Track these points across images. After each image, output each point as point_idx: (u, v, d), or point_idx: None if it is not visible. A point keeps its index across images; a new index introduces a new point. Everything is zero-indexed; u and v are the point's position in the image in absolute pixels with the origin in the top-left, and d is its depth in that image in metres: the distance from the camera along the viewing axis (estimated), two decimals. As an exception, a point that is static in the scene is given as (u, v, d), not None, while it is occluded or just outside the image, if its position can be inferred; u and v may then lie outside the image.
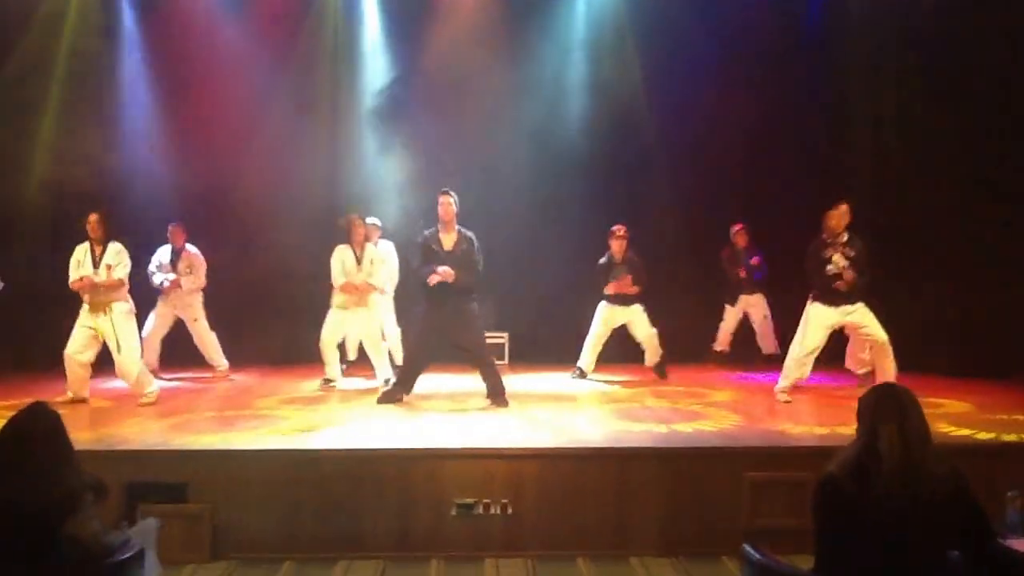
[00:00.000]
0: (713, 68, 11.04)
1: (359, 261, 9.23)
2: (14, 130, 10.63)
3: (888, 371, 7.97)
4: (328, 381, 9.26)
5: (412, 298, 8.53)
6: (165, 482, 5.79)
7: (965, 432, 6.57)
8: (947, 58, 10.08)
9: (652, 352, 9.92)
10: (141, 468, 5.88)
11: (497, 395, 8.07)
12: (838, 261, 7.99)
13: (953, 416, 7.26)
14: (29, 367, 9.76)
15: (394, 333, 10.21)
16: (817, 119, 11.37)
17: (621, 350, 10.18)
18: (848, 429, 6.57)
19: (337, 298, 9.28)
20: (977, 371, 9.40)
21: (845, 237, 8.10)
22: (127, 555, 3.62)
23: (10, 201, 10.53)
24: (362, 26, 11.84)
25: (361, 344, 9.64)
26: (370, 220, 9.85)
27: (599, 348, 10.00)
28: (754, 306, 10.96)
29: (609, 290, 9.79)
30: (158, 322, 9.88)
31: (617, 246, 9.80)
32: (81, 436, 6.25)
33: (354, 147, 11.53)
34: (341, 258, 9.22)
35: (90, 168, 10.21)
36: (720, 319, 11.24)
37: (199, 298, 10.00)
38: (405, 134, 11.23)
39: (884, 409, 3.35)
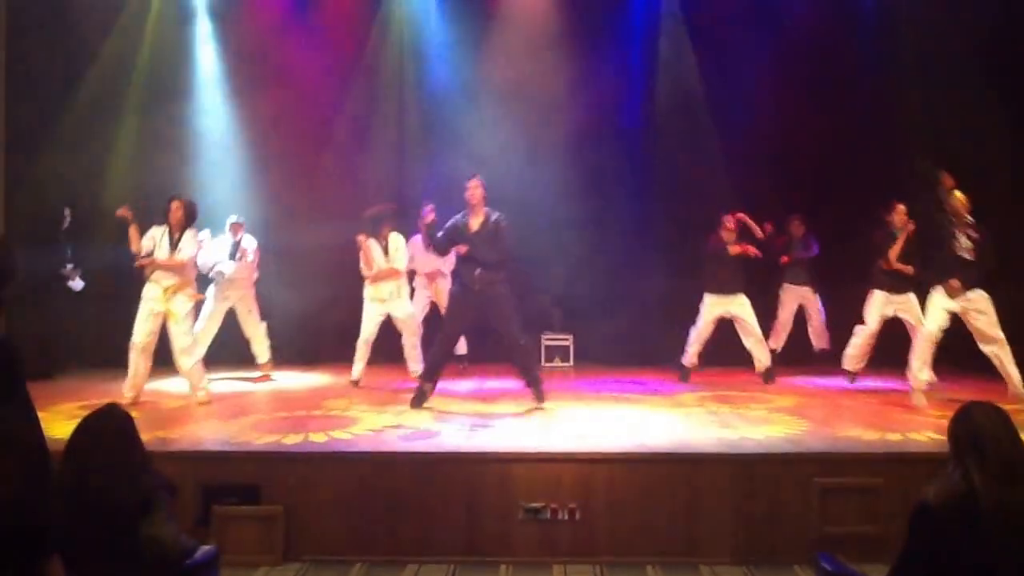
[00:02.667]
0: (770, 62, 10.99)
1: (386, 252, 9.50)
2: (96, 135, 10.98)
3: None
4: (354, 382, 9.41)
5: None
6: (239, 483, 5.87)
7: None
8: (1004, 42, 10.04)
9: (761, 355, 9.74)
10: (215, 469, 5.97)
11: (531, 384, 7.99)
12: (964, 241, 7.90)
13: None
14: (104, 367, 9.93)
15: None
16: (874, 109, 11.20)
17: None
18: (920, 436, 6.54)
19: (367, 291, 9.57)
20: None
21: (971, 220, 8.00)
22: (205, 558, 3.74)
23: (90, 201, 10.74)
24: (427, 31, 11.97)
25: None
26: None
27: (700, 345, 9.86)
28: (808, 300, 10.84)
29: (733, 251, 9.63)
30: (211, 316, 10.01)
31: (728, 236, 9.75)
32: (155, 437, 6.39)
33: (419, 148, 11.66)
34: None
35: (166, 169, 10.56)
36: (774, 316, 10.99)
37: (252, 291, 10.25)
38: (466, 135, 11.28)
39: (964, 442, 3.10)
